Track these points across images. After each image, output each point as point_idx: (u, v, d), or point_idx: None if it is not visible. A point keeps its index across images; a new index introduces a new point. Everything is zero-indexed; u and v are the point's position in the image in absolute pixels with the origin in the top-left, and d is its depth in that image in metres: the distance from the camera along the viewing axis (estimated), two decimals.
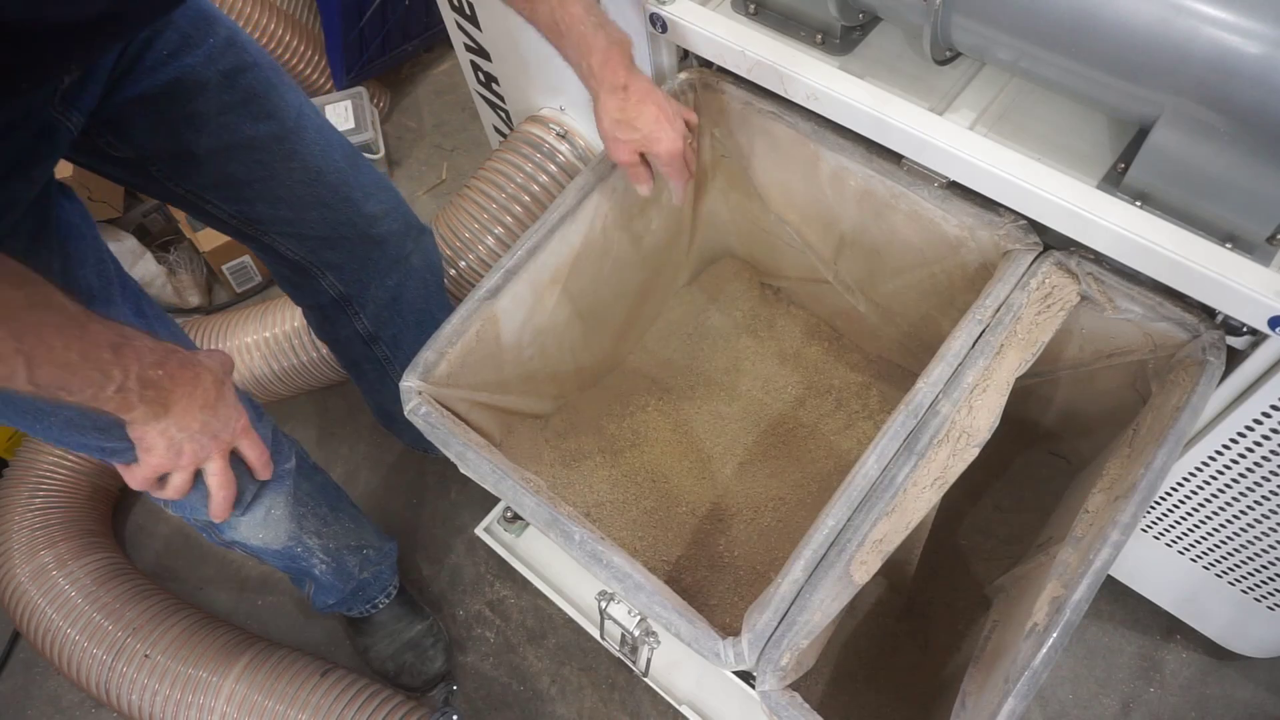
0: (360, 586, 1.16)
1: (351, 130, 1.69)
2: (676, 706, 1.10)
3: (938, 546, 1.08)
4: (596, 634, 0.92)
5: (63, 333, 0.57)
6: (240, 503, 0.83)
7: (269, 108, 0.84)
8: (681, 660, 1.10)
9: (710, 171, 1.06)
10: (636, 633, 0.78)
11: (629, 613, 0.78)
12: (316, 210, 0.92)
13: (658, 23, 0.89)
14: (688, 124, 0.86)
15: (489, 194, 1.27)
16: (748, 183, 1.02)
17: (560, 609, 1.16)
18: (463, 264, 1.29)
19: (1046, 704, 1.15)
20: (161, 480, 0.73)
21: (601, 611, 0.79)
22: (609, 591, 0.79)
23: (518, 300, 0.87)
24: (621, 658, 0.91)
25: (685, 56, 0.95)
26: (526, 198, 1.26)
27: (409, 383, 0.80)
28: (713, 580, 1.03)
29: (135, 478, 0.72)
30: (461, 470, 0.79)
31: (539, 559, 1.21)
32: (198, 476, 0.74)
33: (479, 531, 1.24)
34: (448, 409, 0.82)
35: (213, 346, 1.36)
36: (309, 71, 1.76)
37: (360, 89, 1.76)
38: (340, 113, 1.71)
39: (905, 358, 1.13)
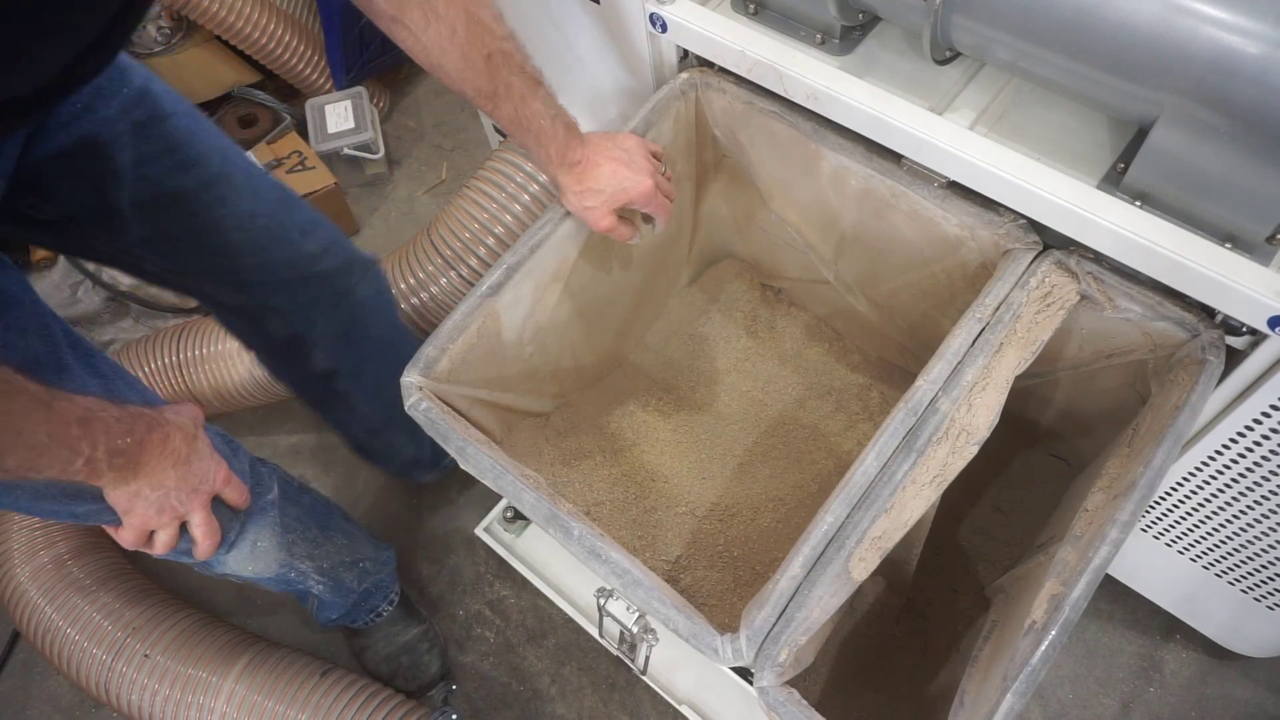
0: (361, 598, 1.15)
1: (351, 130, 1.69)
2: (676, 706, 1.10)
3: (938, 546, 1.08)
4: (596, 633, 0.92)
5: (29, 416, 0.57)
6: (224, 541, 0.82)
7: (192, 155, 0.82)
8: (681, 659, 1.10)
9: (711, 172, 1.06)
10: (635, 629, 0.78)
11: (628, 609, 0.78)
12: (252, 255, 0.90)
13: (658, 23, 0.90)
14: (655, 155, 0.87)
15: (489, 194, 1.27)
16: (748, 183, 1.03)
17: (560, 609, 1.17)
18: (463, 265, 1.29)
19: (1046, 703, 1.15)
20: (150, 537, 0.74)
21: (600, 608, 0.79)
22: (608, 588, 0.79)
23: (519, 297, 0.88)
24: (620, 656, 0.91)
25: (685, 56, 0.96)
26: (526, 197, 1.26)
27: (410, 378, 0.80)
28: (712, 579, 1.03)
29: (123, 539, 0.73)
30: (462, 466, 0.79)
31: (539, 559, 1.21)
32: (182, 526, 0.75)
33: (479, 531, 1.24)
34: (448, 405, 0.82)
35: (211, 348, 1.36)
36: (308, 71, 1.76)
37: (360, 89, 1.77)
38: (340, 113, 1.71)
39: (906, 358, 1.13)
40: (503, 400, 0.95)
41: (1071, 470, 1.08)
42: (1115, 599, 1.20)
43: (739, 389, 1.17)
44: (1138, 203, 0.72)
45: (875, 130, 0.81)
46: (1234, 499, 0.85)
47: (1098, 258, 0.76)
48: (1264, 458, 0.78)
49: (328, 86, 1.80)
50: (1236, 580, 0.96)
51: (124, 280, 1.51)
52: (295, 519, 0.97)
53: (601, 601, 0.80)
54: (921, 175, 0.83)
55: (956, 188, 0.81)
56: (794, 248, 1.07)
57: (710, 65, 0.93)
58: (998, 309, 0.76)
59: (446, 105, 1.90)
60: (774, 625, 0.66)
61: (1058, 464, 1.12)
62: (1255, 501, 0.84)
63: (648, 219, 0.90)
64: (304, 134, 1.72)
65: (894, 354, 1.13)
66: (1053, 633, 0.64)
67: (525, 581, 1.23)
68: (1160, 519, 0.97)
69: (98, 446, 0.62)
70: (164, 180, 0.81)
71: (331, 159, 1.72)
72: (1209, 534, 0.93)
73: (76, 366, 0.73)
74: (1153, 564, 1.06)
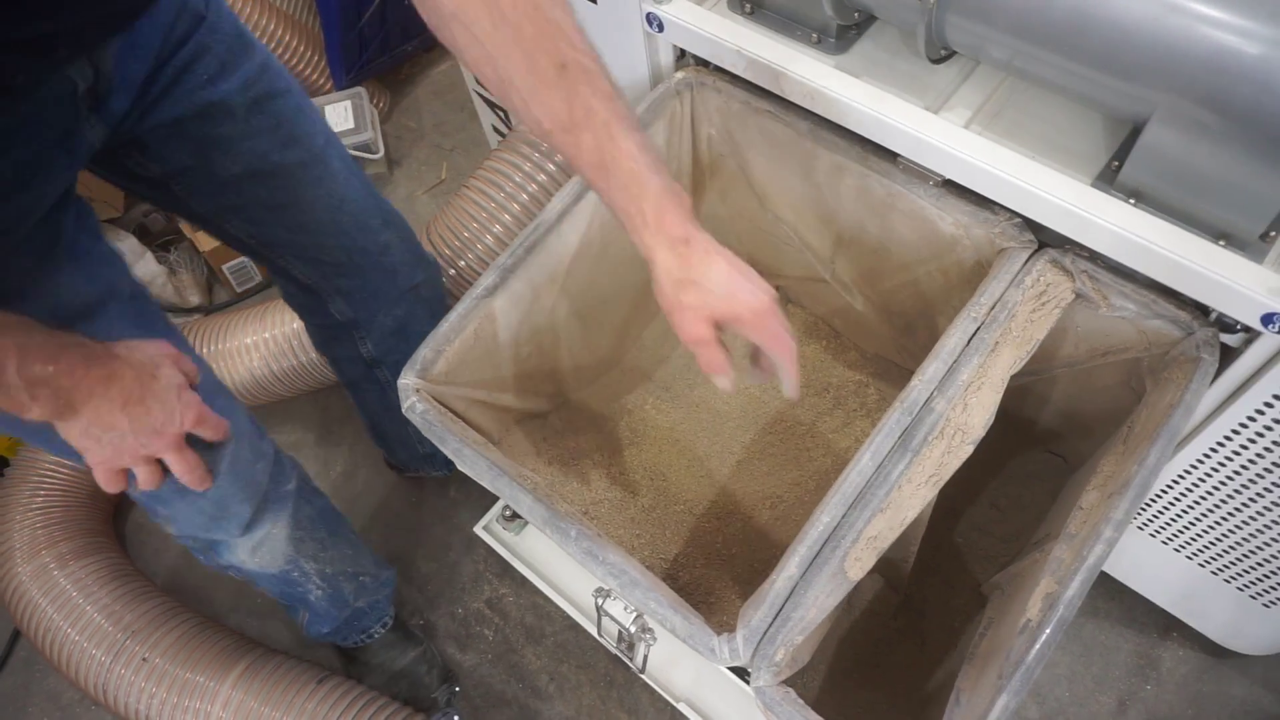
0: (355, 615, 1.15)
1: (351, 130, 1.69)
2: (674, 703, 1.10)
3: (935, 544, 1.09)
4: (594, 631, 0.92)
5: None
6: (215, 473, 0.77)
7: (297, 134, 0.84)
8: (679, 657, 1.10)
9: (707, 172, 1.06)
10: (633, 629, 0.78)
11: (625, 609, 0.79)
12: (335, 237, 0.93)
13: (654, 22, 0.90)
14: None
15: (488, 193, 1.27)
16: (745, 182, 1.03)
17: (559, 607, 1.17)
18: (462, 263, 1.29)
19: (1044, 701, 1.15)
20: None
21: (599, 608, 0.80)
22: (606, 588, 0.79)
23: (516, 298, 0.88)
24: (619, 655, 0.92)
25: (682, 56, 0.96)
26: (525, 196, 1.26)
27: (407, 380, 0.80)
28: (710, 577, 1.03)
29: (96, 478, 0.69)
30: (459, 467, 0.79)
31: (538, 557, 1.21)
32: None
33: (478, 530, 1.24)
34: (445, 407, 0.83)
35: (212, 347, 1.37)
36: (309, 71, 1.76)
37: (360, 89, 1.77)
38: (340, 113, 1.71)
39: (903, 356, 1.13)
40: (500, 401, 0.95)
41: (1068, 467, 1.08)
42: (1112, 597, 1.20)
43: (737, 386, 1.17)
44: (1132, 201, 0.73)
45: (871, 129, 0.81)
46: (1229, 496, 0.86)
47: (1092, 256, 0.77)
48: (1258, 455, 0.78)
49: (328, 87, 1.81)
50: (1233, 578, 0.96)
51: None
52: (308, 518, 0.98)
53: (599, 601, 0.80)
54: (917, 174, 0.83)
55: (952, 186, 0.82)
56: (791, 247, 1.07)
57: (706, 65, 0.93)
58: (993, 308, 0.76)
59: (446, 105, 1.91)
60: (770, 625, 0.66)
61: (1054, 461, 1.12)
62: (1250, 499, 0.84)
63: (754, 360, 0.71)
64: None
65: (891, 352, 1.13)
66: (1047, 631, 0.64)
67: (524, 580, 1.23)
68: (1156, 517, 0.97)
69: (5, 370, 0.57)
70: (269, 154, 0.82)
71: None
72: (1204, 532, 0.93)
73: (118, 317, 0.73)
74: (1149, 562, 1.06)
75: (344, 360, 1.13)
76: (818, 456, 1.11)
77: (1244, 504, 0.85)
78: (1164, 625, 1.18)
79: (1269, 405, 0.73)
